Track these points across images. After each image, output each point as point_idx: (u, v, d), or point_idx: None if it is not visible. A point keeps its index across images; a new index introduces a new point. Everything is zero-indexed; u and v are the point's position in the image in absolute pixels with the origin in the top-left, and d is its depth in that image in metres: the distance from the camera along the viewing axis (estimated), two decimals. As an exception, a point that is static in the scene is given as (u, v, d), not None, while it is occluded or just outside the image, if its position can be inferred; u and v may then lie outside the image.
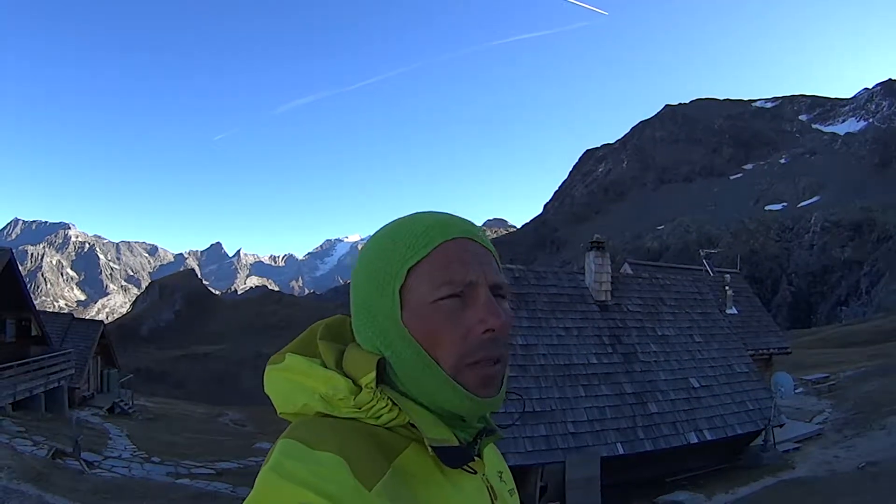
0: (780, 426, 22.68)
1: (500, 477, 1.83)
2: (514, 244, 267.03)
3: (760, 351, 32.56)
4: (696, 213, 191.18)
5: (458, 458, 1.51)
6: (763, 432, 21.67)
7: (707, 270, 37.61)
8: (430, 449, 1.47)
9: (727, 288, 34.73)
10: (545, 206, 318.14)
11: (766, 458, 21.58)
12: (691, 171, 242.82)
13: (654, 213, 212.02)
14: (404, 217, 1.71)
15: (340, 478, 1.32)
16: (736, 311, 34.39)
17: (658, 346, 22.03)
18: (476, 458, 1.59)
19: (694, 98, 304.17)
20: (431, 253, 1.59)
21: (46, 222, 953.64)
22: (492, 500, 1.69)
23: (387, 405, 1.52)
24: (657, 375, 20.91)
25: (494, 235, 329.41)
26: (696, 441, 19.43)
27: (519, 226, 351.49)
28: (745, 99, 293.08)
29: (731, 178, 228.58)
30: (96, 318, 79.43)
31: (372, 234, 1.70)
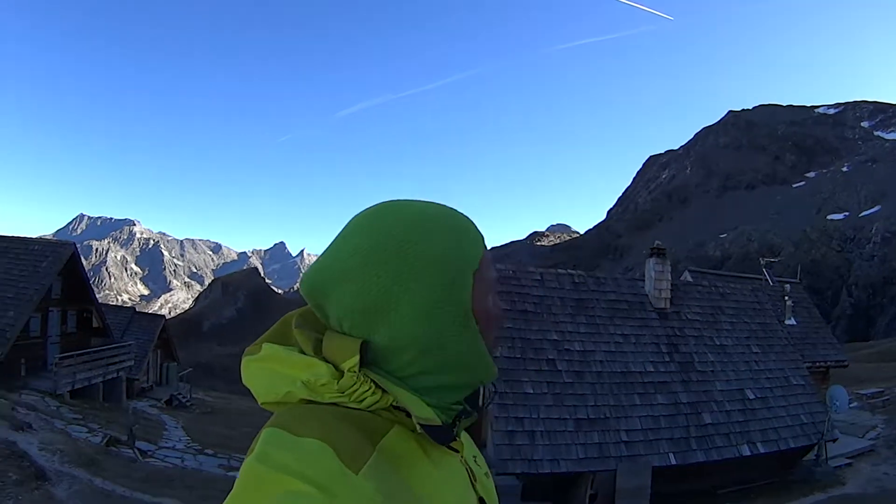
0: (834, 441, 22.41)
1: (475, 460, 1.85)
2: (577, 250, 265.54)
3: (818, 363, 32.11)
4: (758, 221, 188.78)
5: (444, 435, 1.56)
6: (816, 447, 21.42)
7: (767, 280, 37.19)
8: (418, 427, 1.50)
9: (787, 298, 34.32)
10: (609, 211, 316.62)
11: (817, 474, 21.34)
12: (754, 179, 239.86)
13: (716, 221, 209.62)
14: (436, 208, 1.73)
15: (326, 463, 1.34)
16: (795, 322, 33.97)
17: (715, 355, 21.82)
18: (456, 438, 1.64)
19: (757, 104, 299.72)
20: (485, 253, 1.72)
21: (112, 219, 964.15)
22: (471, 480, 1.73)
23: (370, 388, 1.53)
24: (713, 385, 20.72)
25: (558, 241, 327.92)
26: (748, 454, 19.22)
27: (582, 231, 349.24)
28: (808, 105, 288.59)
29: (794, 186, 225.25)
30: (158, 313, 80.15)
31: (402, 222, 1.67)
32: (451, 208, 1.75)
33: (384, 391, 1.53)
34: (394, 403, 1.54)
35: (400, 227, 1.63)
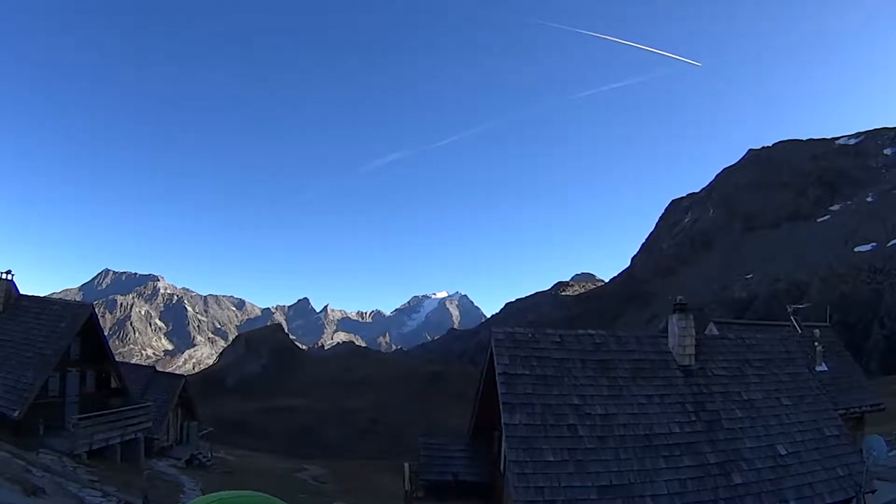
0: (872, 492, 21.68)
1: None
2: (602, 299, 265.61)
3: (852, 409, 31.54)
4: (784, 259, 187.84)
5: None
6: (854, 500, 20.70)
7: (795, 327, 36.58)
8: None
9: (816, 344, 33.79)
10: (633, 258, 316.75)
11: (857, 528, 20.63)
12: (778, 216, 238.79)
13: (741, 262, 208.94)
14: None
15: None
16: (826, 368, 33.44)
17: (743, 411, 21.22)
18: None
19: (777, 140, 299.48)
20: None
21: (136, 274, 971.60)
22: None
23: None
24: (742, 443, 20.11)
25: (582, 290, 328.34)
26: (782, 513, 18.55)
27: (607, 280, 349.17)
28: (828, 137, 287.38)
29: (819, 220, 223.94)
30: (182, 369, 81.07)
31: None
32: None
33: None
34: None
35: None
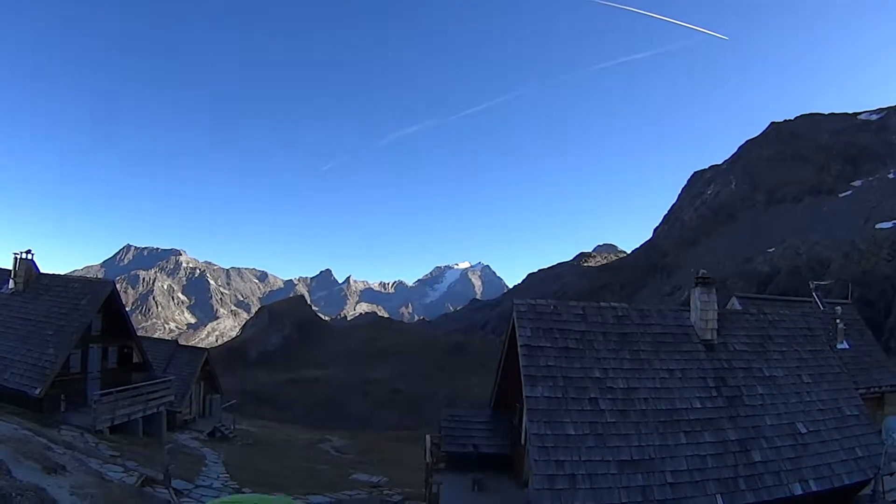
0: (891, 474, 21.53)
1: None
2: (624, 270, 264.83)
3: (872, 389, 31.36)
4: (806, 234, 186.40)
5: None
6: (872, 481, 20.57)
7: (817, 303, 36.38)
8: None
9: (838, 321, 33.59)
10: (655, 230, 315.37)
11: (873, 510, 20.50)
12: (800, 191, 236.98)
13: (764, 235, 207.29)
14: None
15: None
16: (847, 346, 33.29)
17: (765, 388, 21.12)
18: None
19: (799, 114, 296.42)
20: None
21: (158, 248, 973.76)
22: None
23: None
24: (763, 420, 20.02)
25: (604, 261, 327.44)
26: (800, 492, 18.46)
27: (629, 251, 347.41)
28: (851, 112, 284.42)
29: (840, 195, 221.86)
30: (205, 342, 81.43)
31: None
32: None
33: None
34: None
35: None
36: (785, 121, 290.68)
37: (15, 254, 38.08)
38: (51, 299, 36.92)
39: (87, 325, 36.50)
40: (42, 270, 39.61)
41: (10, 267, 38.10)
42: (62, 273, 45.87)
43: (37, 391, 31.21)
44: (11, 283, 37.98)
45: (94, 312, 37.11)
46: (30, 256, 38.26)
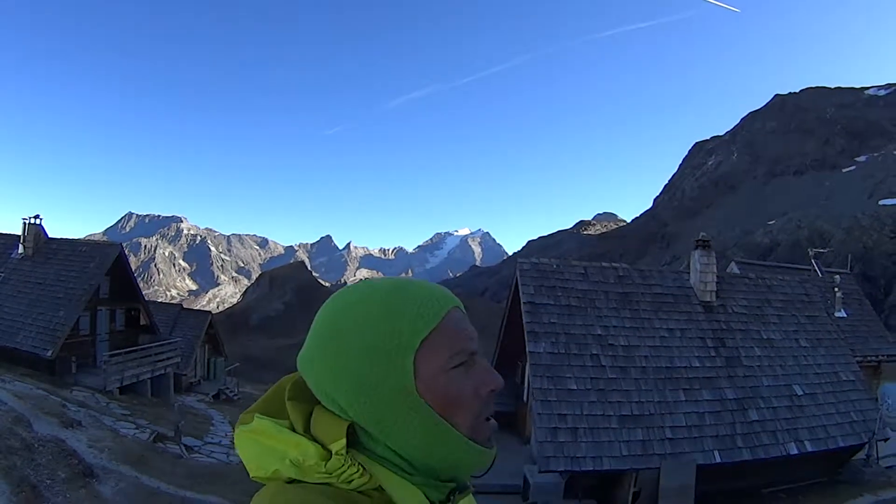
0: (885, 440, 21.99)
1: None
2: (624, 238, 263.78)
3: (868, 357, 31.72)
4: (807, 207, 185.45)
5: None
6: (866, 446, 21.05)
7: (816, 271, 36.79)
8: None
9: (836, 290, 34.02)
10: (655, 200, 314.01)
11: (867, 474, 21.01)
12: (803, 164, 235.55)
13: (764, 208, 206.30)
14: (383, 287, 1.68)
15: None
16: (845, 314, 33.65)
17: (762, 350, 21.57)
18: None
19: (805, 87, 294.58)
20: (440, 324, 1.61)
21: (159, 216, 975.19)
22: None
23: (358, 470, 1.50)
24: (760, 381, 20.49)
25: (604, 229, 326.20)
26: (795, 452, 18.96)
27: (629, 220, 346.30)
28: (857, 87, 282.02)
29: (844, 170, 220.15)
30: (206, 308, 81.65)
31: (343, 303, 1.65)
32: (402, 288, 1.68)
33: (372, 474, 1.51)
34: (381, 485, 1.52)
35: (341, 311, 1.63)
36: (790, 93, 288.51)
37: (24, 219, 38.29)
38: (59, 263, 37.21)
39: (96, 288, 36.84)
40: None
41: (20, 232, 38.46)
42: (66, 240, 46.28)
43: (48, 353, 31.56)
44: (21, 248, 38.14)
45: (103, 275, 37.40)
46: (38, 222, 38.60)
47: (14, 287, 35.99)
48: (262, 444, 1.57)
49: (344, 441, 1.50)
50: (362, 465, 1.51)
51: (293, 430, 1.58)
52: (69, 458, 16.80)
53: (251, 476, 1.61)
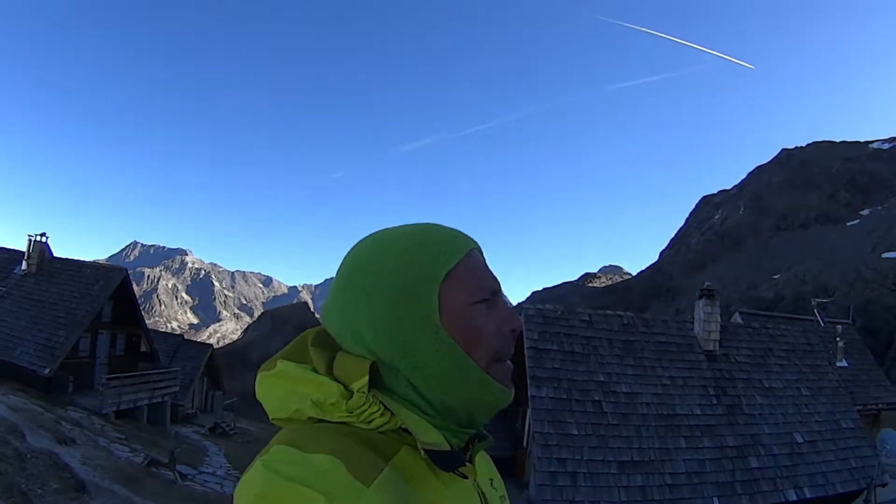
0: (883, 486, 21.93)
1: (492, 484, 1.85)
2: (629, 291, 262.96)
3: (869, 406, 31.79)
4: (812, 261, 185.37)
5: (449, 462, 1.54)
6: (865, 492, 21.00)
7: (818, 320, 36.86)
8: (422, 452, 1.49)
9: (838, 339, 34.05)
10: (661, 253, 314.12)
11: (865, 519, 20.92)
12: (808, 218, 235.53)
13: (770, 262, 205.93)
14: (407, 228, 1.75)
15: (337, 476, 1.32)
16: (846, 364, 33.67)
17: (764, 398, 21.50)
18: (468, 463, 1.62)
19: (811, 141, 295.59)
20: (464, 259, 1.66)
21: (164, 247, 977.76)
22: None
23: (379, 409, 1.53)
24: (761, 429, 20.42)
25: (609, 282, 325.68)
26: (794, 499, 18.86)
27: (634, 273, 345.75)
28: (862, 141, 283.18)
29: (848, 224, 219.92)
30: (207, 342, 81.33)
31: (368, 244, 1.72)
32: (426, 227, 1.75)
33: (392, 413, 1.54)
34: (402, 426, 1.54)
35: (365, 252, 1.70)
36: (796, 147, 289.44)
37: (29, 236, 38.49)
38: (63, 283, 37.25)
39: (98, 311, 36.95)
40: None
41: (24, 249, 38.55)
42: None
43: (46, 371, 31.60)
44: (24, 265, 38.30)
45: (106, 299, 37.52)
46: (44, 239, 38.70)
47: (15, 302, 36.17)
48: (285, 387, 1.61)
49: (366, 379, 1.53)
50: (384, 405, 1.54)
51: (316, 372, 1.61)
52: (62, 472, 16.78)
53: (271, 419, 1.66)
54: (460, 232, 1.77)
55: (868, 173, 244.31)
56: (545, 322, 21.77)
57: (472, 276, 1.67)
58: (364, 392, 1.52)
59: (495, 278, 1.74)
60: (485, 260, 1.77)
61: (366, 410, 1.52)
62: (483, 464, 1.83)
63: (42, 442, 19.39)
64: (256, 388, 1.67)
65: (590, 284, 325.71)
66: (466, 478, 1.61)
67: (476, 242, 1.77)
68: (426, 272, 1.62)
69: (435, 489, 1.52)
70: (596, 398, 19.63)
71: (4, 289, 36.78)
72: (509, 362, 1.72)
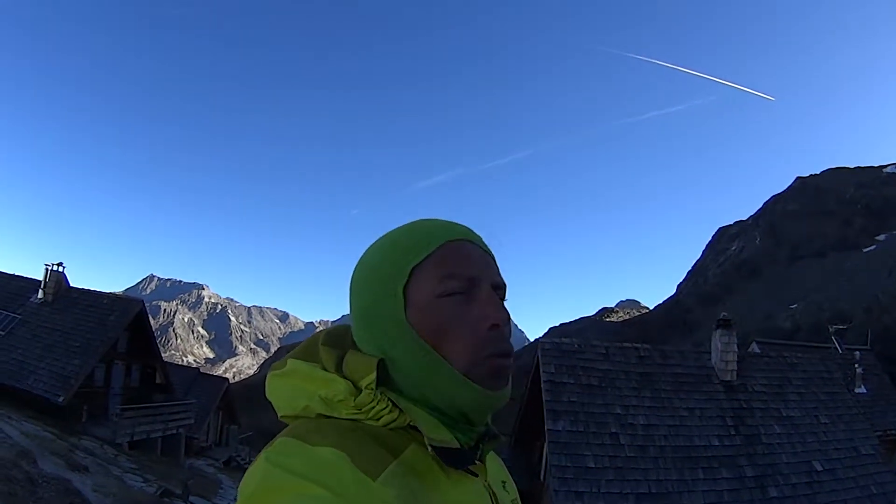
0: (903, 512, 21.81)
1: (504, 486, 1.84)
2: (647, 325, 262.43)
3: (888, 432, 31.53)
4: (829, 288, 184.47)
5: (458, 459, 1.53)
6: (884, 518, 20.84)
7: (836, 348, 36.69)
8: (430, 449, 1.48)
9: (857, 366, 33.91)
10: (678, 286, 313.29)
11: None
12: (824, 245, 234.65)
13: (786, 291, 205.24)
14: (404, 225, 1.77)
15: (341, 469, 1.33)
16: (865, 391, 33.49)
17: (782, 427, 21.36)
18: (477, 462, 1.62)
19: (825, 168, 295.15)
20: (435, 251, 1.65)
21: (181, 281, 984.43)
22: None
23: (387, 406, 1.53)
24: (779, 458, 20.25)
25: (627, 316, 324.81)
26: (815, 527, 18.76)
27: (651, 306, 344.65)
28: (876, 165, 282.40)
29: (865, 250, 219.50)
30: (223, 376, 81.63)
31: (371, 245, 1.77)
32: (415, 223, 1.76)
33: (401, 410, 1.53)
34: (410, 423, 1.54)
35: (365, 252, 1.77)
36: (811, 175, 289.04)
37: (47, 265, 38.61)
38: (79, 312, 37.17)
39: (114, 342, 36.95)
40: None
41: (41, 278, 38.63)
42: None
43: (60, 399, 31.52)
44: (41, 294, 38.27)
45: (122, 329, 37.52)
46: (61, 269, 38.80)
47: (30, 331, 36.05)
48: (294, 385, 1.64)
49: (373, 376, 1.54)
50: (392, 402, 1.53)
51: (325, 370, 1.62)
52: (73, 497, 16.76)
53: (280, 416, 1.66)
54: (448, 223, 1.75)
55: (883, 198, 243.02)
56: (562, 355, 21.75)
57: (441, 268, 1.64)
58: (372, 389, 1.54)
59: (477, 266, 1.69)
60: (469, 250, 1.72)
61: (374, 407, 1.53)
62: (495, 466, 1.84)
63: (54, 468, 19.36)
64: (266, 387, 1.71)
65: (607, 319, 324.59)
66: (476, 476, 1.61)
67: (465, 233, 1.74)
68: (394, 268, 1.63)
69: (444, 486, 1.52)
70: (613, 430, 19.55)
71: (20, 317, 36.78)
72: (500, 360, 1.65)
